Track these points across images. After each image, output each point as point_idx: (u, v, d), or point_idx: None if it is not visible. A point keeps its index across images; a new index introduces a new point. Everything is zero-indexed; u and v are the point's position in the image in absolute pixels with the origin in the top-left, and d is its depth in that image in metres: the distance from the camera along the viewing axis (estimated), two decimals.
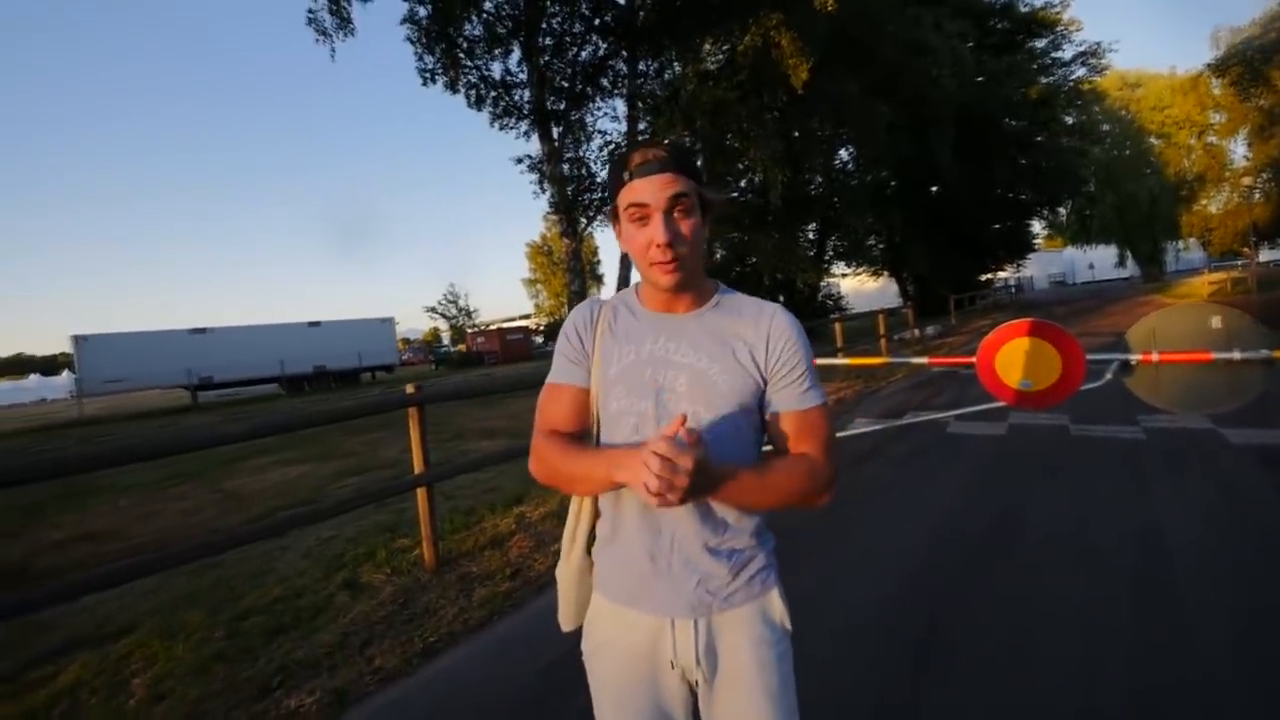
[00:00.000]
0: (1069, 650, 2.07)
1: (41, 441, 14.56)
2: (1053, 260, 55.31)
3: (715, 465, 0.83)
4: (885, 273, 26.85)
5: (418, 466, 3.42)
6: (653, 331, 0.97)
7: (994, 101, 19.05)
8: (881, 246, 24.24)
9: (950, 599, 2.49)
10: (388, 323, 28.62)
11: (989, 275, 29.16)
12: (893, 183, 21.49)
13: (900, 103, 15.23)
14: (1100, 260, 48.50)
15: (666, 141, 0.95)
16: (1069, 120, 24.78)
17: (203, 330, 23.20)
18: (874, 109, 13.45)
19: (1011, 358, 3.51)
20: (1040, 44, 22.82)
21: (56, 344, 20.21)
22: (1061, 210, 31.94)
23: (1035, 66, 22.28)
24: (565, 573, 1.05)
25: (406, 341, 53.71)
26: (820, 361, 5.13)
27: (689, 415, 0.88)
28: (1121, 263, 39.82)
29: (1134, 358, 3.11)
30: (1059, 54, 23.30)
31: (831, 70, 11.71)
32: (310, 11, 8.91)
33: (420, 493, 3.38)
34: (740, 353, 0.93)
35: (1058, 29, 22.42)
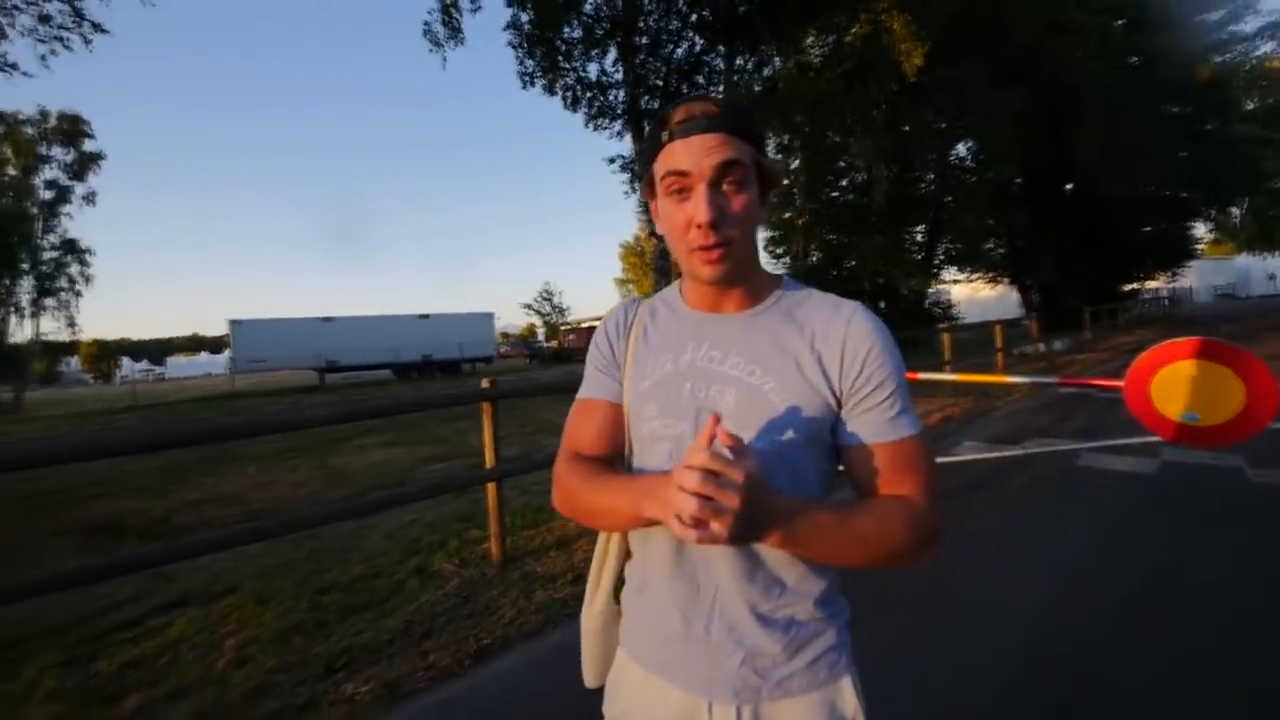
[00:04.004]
0: None
1: (200, 409, 16.88)
2: (1221, 269, 47.51)
3: (776, 494, 0.64)
4: (1005, 280, 24.32)
5: (489, 461, 3.45)
6: (695, 335, 0.79)
7: (1151, 86, 16.55)
8: (1001, 251, 21.93)
9: (1082, 676, 2.07)
10: (488, 317, 30.35)
11: (1134, 285, 25.52)
12: (1018, 180, 19.33)
13: (1033, 90, 13.59)
14: None
15: (722, 96, 0.78)
16: (1250, 105, 21.06)
17: (330, 319, 25.80)
18: (1000, 98, 12.10)
19: (1173, 383, 2.90)
20: (1214, 17, 19.58)
21: (223, 326, 23.86)
22: (1234, 211, 27.26)
23: (1207, 44, 19.14)
24: (587, 620, 0.88)
25: (505, 335, 56.72)
26: (925, 376, 4.62)
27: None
28: None
29: None
30: (1239, 27, 19.89)
31: (951, 55, 10.66)
32: (425, 24, 9.54)
33: (490, 487, 3.40)
34: (806, 364, 0.73)
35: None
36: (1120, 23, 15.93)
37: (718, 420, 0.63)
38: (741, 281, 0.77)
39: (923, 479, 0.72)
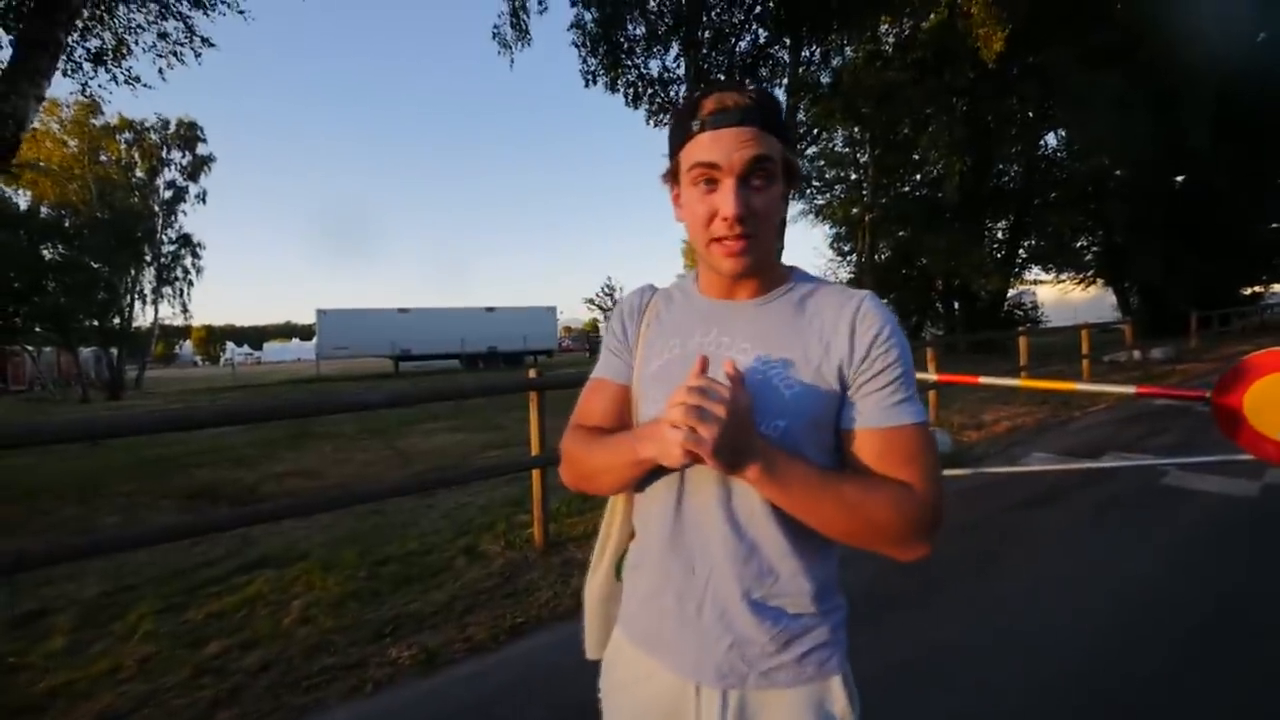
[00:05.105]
0: None
1: (286, 390, 18.40)
2: None
3: (763, 436, 0.68)
4: (1100, 281, 22.30)
5: (534, 449, 3.59)
6: (705, 321, 0.80)
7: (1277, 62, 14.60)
8: (1095, 249, 20.09)
9: (1131, 710, 1.93)
10: (550, 311, 31.18)
11: (1258, 288, 22.76)
12: (1117, 171, 17.61)
13: (1134, 72, 12.32)
14: None
15: (752, 88, 0.73)
16: None
17: (406, 310, 27.35)
18: (1095, 82, 11.06)
19: (1272, 397, 2.62)
20: None
21: (313, 315, 26.14)
22: None
23: None
24: (589, 592, 0.92)
25: (569, 329, 57.85)
26: (986, 380, 4.38)
27: None
28: None
29: None
30: None
31: (1038, 39, 9.85)
32: (495, 27, 9.93)
33: (535, 474, 3.54)
34: (814, 350, 0.73)
35: None
36: None
37: (706, 361, 0.67)
38: (757, 273, 0.77)
39: (921, 469, 0.70)
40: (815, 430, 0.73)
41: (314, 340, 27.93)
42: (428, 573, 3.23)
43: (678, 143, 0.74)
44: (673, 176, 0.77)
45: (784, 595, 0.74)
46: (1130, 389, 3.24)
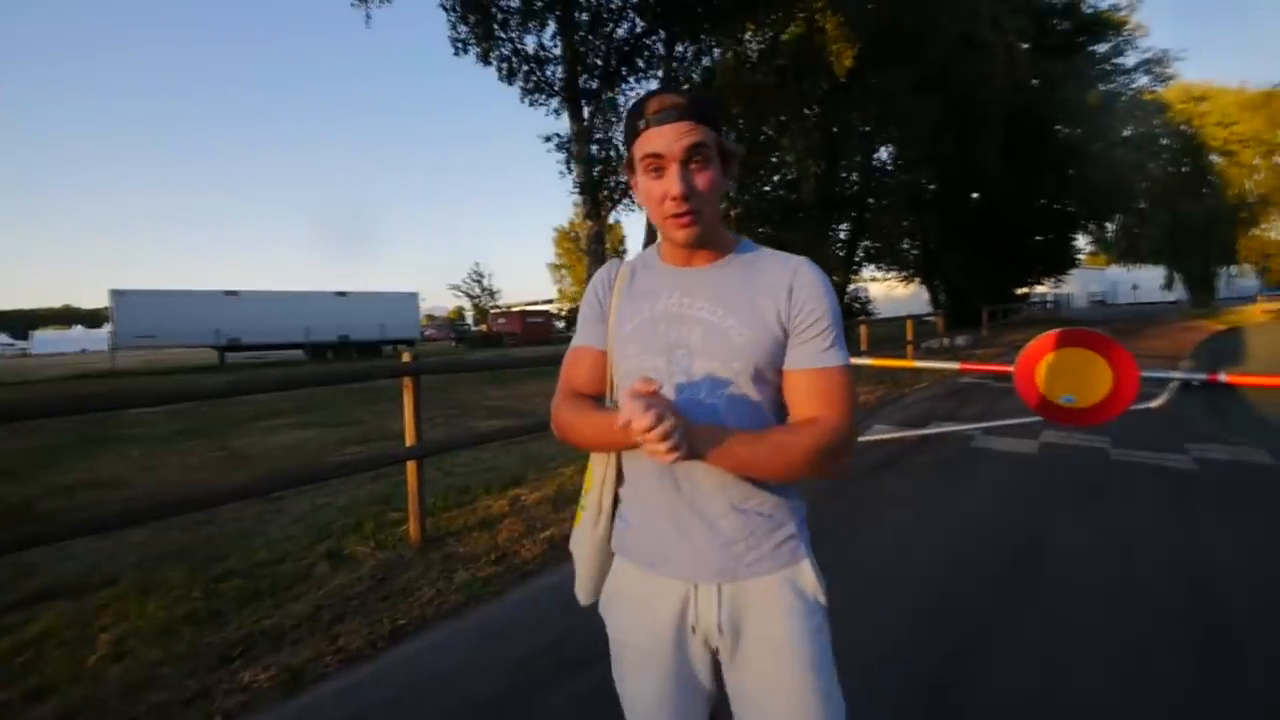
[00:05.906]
0: (1101, 698, 1.84)
1: (71, 389, 15.00)
2: (1094, 278, 53.30)
3: (699, 424, 0.80)
4: (918, 280, 26.09)
5: (409, 439, 3.29)
6: (669, 286, 0.93)
7: (1047, 106, 18.15)
8: (915, 252, 23.47)
9: (968, 632, 2.26)
10: (412, 297, 28.89)
11: (1025, 289, 28.14)
12: (931, 186, 20.71)
13: (947, 102, 14.57)
14: (1146, 281, 46.58)
15: (686, 88, 0.90)
16: (1126, 132, 23.61)
17: (234, 293, 23.66)
18: (919, 106, 12.87)
19: (1055, 369, 3.23)
20: (1102, 48, 21.71)
21: (102, 298, 21.04)
22: (1109, 226, 30.55)
23: (1095, 72, 21.23)
24: (590, 541, 1.00)
25: (431, 318, 54.30)
26: (853, 360, 4.87)
27: (702, 372, 0.87)
28: (1168, 285, 38.00)
29: (1197, 377, 2.80)
30: (1121, 60, 22.19)
31: (877, 62, 11.19)
32: None
33: (410, 466, 3.25)
34: (761, 305, 0.87)
35: (1122, 33, 21.33)
36: (1025, 46, 17.32)
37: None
38: (709, 242, 0.90)
39: (839, 402, 0.85)
40: (763, 371, 0.87)
41: (106, 328, 23.03)
42: (282, 584, 2.83)
43: (630, 139, 0.87)
44: (629, 168, 0.90)
45: (758, 501, 0.89)
46: (955, 365, 3.79)
